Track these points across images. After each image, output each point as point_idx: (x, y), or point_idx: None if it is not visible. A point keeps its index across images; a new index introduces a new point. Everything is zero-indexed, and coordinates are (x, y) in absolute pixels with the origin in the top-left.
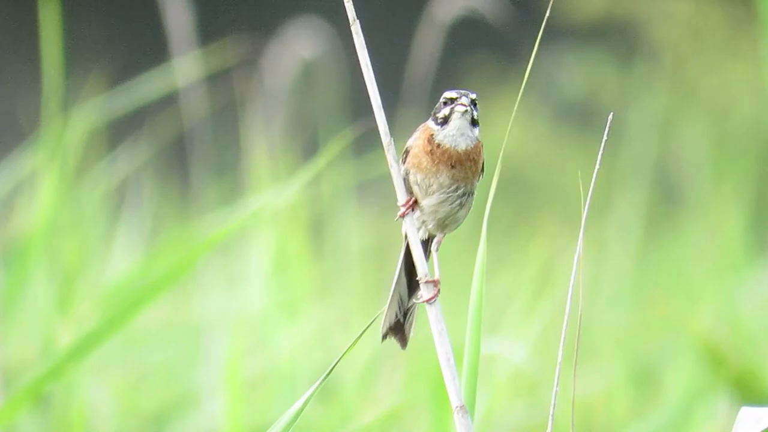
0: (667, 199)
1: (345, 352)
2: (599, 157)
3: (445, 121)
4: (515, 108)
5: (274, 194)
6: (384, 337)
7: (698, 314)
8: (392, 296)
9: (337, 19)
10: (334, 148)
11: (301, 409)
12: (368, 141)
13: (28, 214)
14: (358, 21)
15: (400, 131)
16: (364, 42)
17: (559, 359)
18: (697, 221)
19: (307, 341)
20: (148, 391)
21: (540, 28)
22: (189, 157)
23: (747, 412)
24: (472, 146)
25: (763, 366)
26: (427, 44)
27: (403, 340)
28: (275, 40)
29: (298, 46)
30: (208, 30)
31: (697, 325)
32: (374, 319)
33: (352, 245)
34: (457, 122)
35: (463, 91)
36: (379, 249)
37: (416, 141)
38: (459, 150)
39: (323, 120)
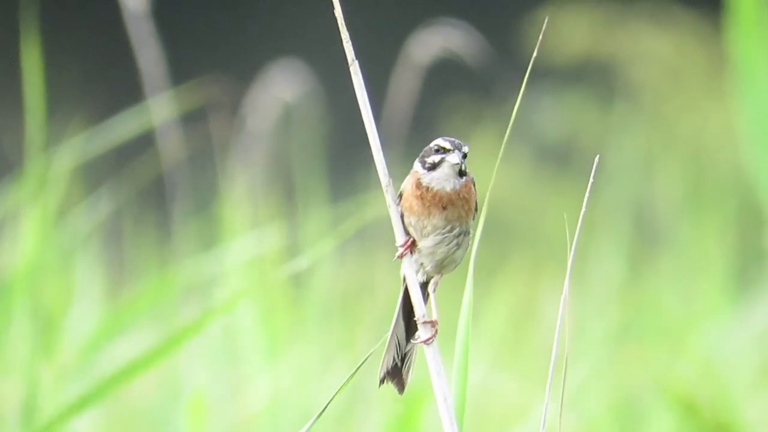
0: (647, 240)
1: (341, 388)
2: (585, 200)
3: (433, 167)
4: (501, 150)
5: (254, 240)
6: (382, 381)
7: (675, 366)
8: (390, 340)
9: (318, 61)
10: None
11: None
12: (347, 183)
13: (11, 255)
14: (356, 61)
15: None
16: (362, 83)
17: (546, 399)
18: (677, 262)
19: (286, 387)
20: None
21: (524, 69)
22: (167, 199)
23: None
24: (459, 186)
25: (738, 418)
26: (404, 86)
27: (401, 385)
28: (256, 83)
29: (278, 88)
30: (188, 72)
31: (674, 378)
32: (368, 356)
33: (333, 290)
34: (447, 170)
35: (456, 143)
36: (360, 291)
37: (407, 185)
38: (447, 190)
39: (303, 162)
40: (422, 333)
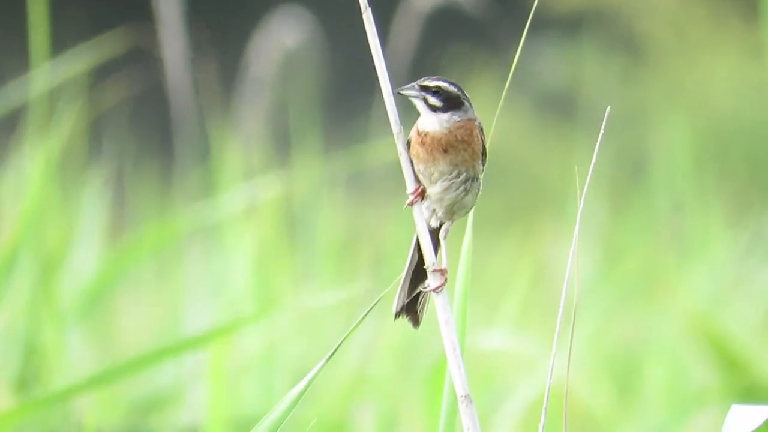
0: (646, 190)
1: (350, 331)
2: (596, 153)
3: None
4: (502, 99)
5: (251, 188)
6: (397, 315)
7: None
8: (405, 276)
9: (320, 8)
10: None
11: (303, 392)
12: (354, 130)
13: (15, 201)
14: (370, 8)
15: (377, 122)
16: (375, 30)
17: (554, 350)
18: (678, 214)
19: (287, 331)
20: (131, 384)
21: (525, 19)
22: (170, 143)
23: (738, 411)
24: (452, 125)
25: (755, 354)
26: (404, 35)
27: (416, 320)
28: (258, 28)
29: (280, 34)
30: (198, 17)
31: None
32: (378, 301)
33: (334, 234)
34: (421, 111)
35: (421, 79)
36: (361, 237)
37: (412, 132)
38: (438, 130)
39: (303, 110)
40: (432, 281)
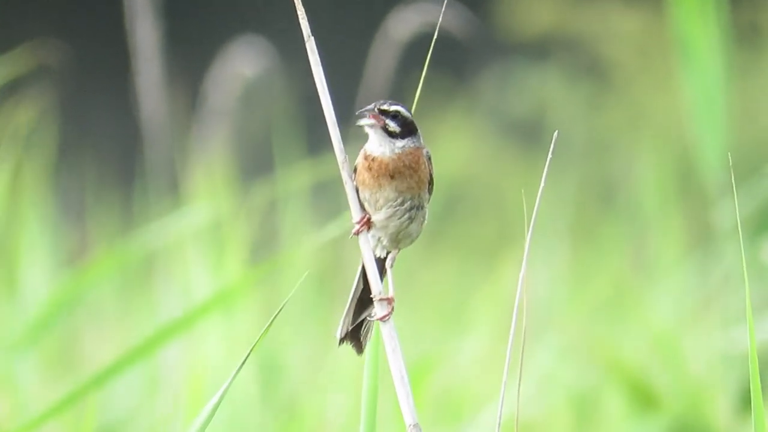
0: (611, 216)
1: (248, 354)
2: (544, 175)
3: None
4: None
5: (208, 211)
6: (341, 342)
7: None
8: (350, 302)
9: (279, 37)
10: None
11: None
12: (319, 151)
13: None
14: (312, 38)
15: (353, 148)
16: (318, 59)
17: (505, 377)
18: (636, 238)
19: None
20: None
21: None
22: (135, 169)
23: None
24: (401, 152)
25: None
26: (382, 61)
27: (359, 347)
28: (217, 58)
29: (240, 64)
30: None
31: (626, 362)
32: (282, 306)
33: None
34: (372, 135)
35: (376, 103)
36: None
37: (359, 159)
38: (387, 155)
39: (267, 137)
40: (378, 310)
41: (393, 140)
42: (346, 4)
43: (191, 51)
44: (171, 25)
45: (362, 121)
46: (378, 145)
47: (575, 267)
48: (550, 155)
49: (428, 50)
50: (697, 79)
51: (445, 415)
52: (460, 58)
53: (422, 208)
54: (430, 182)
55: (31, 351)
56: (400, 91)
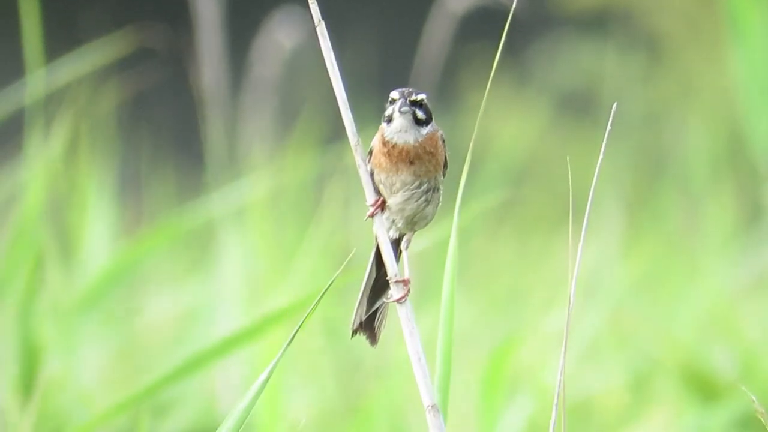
0: (666, 188)
1: (304, 319)
2: (602, 149)
3: (390, 119)
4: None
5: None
6: (354, 333)
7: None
8: (362, 292)
9: (322, 8)
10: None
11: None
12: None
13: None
14: (323, 22)
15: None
16: (329, 44)
17: (562, 360)
18: (694, 209)
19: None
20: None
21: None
22: (191, 139)
23: None
24: (423, 138)
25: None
26: (437, 34)
27: (373, 337)
28: (260, 30)
29: (281, 36)
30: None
31: (676, 341)
32: (315, 304)
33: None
34: (399, 120)
35: (406, 92)
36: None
37: (375, 141)
38: (411, 144)
39: (306, 111)
40: (395, 292)
41: (419, 128)
42: None
43: (238, 21)
44: None
45: (399, 111)
46: (403, 132)
47: (630, 240)
48: (609, 127)
49: (485, 23)
50: (748, 55)
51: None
52: (513, 32)
53: (438, 190)
54: (445, 164)
55: (88, 319)
56: (455, 63)
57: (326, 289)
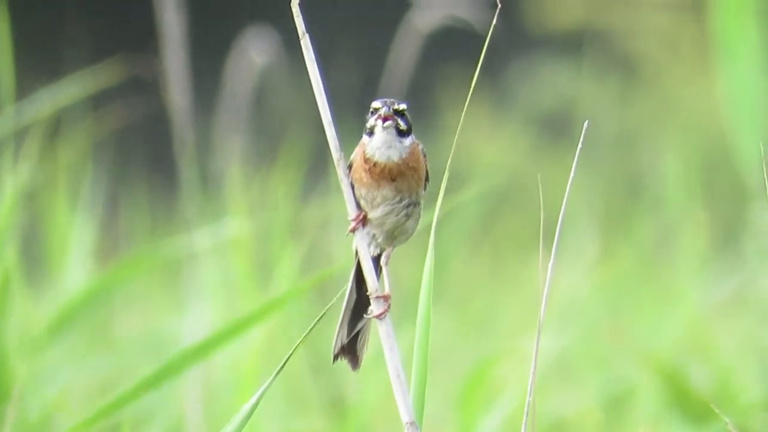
0: (637, 208)
1: (296, 346)
2: (573, 168)
3: (371, 132)
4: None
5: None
6: (336, 358)
7: (658, 336)
8: (343, 315)
9: (292, 28)
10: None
11: (255, 405)
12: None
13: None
14: (307, 35)
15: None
16: (313, 56)
17: (532, 377)
18: (663, 231)
19: (254, 352)
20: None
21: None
22: (163, 166)
23: None
24: (407, 155)
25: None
26: (405, 52)
27: (355, 361)
28: (231, 50)
29: (252, 55)
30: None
31: (656, 352)
32: (319, 319)
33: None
34: (382, 135)
35: (389, 101)
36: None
37: (356, 156)
38: (394, 161)
39: (279, 131)
40: (375, 307)
41: (402, 139)
42: None
43: (208, 41)
44: (192, 16)
45: (381, 121)
46: (386, 148)
47: (603, 258)
48: (580, 145)
49: (452, 43)
50: (735, 74)
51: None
52: (489, 51)
53: (418, 204)
54: (426, 178)
55: (57, 346)
56: (423, 83)
57: (311, 328)
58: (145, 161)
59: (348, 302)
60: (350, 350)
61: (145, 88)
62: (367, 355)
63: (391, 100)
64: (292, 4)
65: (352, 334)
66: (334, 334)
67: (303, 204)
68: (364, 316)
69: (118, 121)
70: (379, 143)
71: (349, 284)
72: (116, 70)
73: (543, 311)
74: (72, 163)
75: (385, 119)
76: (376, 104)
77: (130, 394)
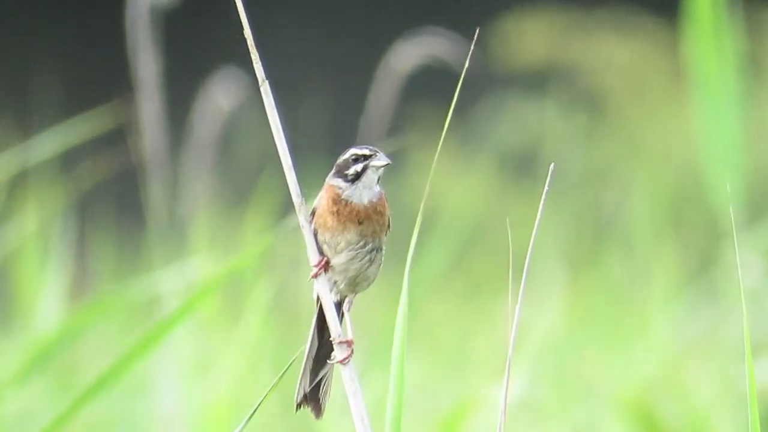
0: (607, 246)
1: (261, 400)
2: (540, 208)
3: (357, 177)
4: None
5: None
6: (299, 406)
7: (629, 373)
8: (305, 363)
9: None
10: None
11: None
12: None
13: None
14: (267, 82)
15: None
16: (273, 103)
17: (501, 419)
18: (634, 269)
19: (218, 398)
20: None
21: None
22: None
23: None
24: (376, 199)
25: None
26: (384, 93)
27: (318, 409)
28: (198, 92)
29: (220, 98)
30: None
31: (628, 390)
32: (286, 368)
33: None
34: (370, 177)
35: (372, 148)
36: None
37: (321, 201)
38: (364, 204)
39: (247, 173)
40: (338, 353)
41: (376, 186)
42: (347, 39)
43: (179, 83)
44: (164, 58)
45: (380, 161)
46: (367, 189)
47: (571, 298)
48: (546, 187)
49: (428, 82)
50: (709, 107)
51: None
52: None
53: (381, 250)
54: (388, 225)
55: (27, 387)
56: (399, 123)
57: (281, 375)
58: (114, 206)
59: (310, 350)
60: (313, 398)
61: (118, 133)
62: (331, 401)
63: (372, 147)
64: (251, 51)
65: (315, 381)
66: (297, 382)
67: (274, 242)
68: (328, 362)
69: (94, 173)
70: (362, 185)
71: (311, 331)
72: (90, 123)
73: (511, 353)
74: (43, 208)
75: (379, 161)
76: (363, 151)
77: (83, 397)
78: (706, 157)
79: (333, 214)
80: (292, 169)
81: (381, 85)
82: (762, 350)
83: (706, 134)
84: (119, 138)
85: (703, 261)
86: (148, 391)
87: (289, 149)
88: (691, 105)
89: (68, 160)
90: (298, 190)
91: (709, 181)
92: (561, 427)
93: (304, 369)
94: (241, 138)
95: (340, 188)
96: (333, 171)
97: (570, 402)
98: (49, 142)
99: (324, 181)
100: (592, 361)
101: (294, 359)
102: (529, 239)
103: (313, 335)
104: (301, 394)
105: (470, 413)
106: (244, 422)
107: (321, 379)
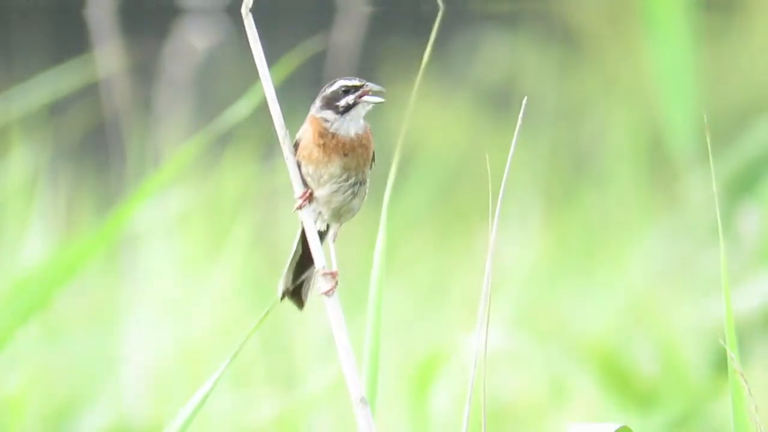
0: (581, 182)
1: (251, 332)
2: (514, 142)
3: (348, 109)
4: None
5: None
6: (282, 296)
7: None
8: (288, 265)
9: (235, 9)
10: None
11: (211, 390)
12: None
13: None
14: (251, 14)
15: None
16: (257, 35)
17: (475, 353)
18: (613, 203)
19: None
20: (61, 383)
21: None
22: (105, 147)
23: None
24: (362, 132)
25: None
26: (348, 31)
27: (300, 303)
28: (173, 33)
29: (193, 37)
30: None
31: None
32: (268, 310)
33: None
34: (359, 111)
35: (360, 79)
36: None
37: (305, 133)
38: (350, 136)
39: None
40: (323, 284)
41: (362, 119)
42: None
43: (148, 24)
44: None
45: (375, 99)
46: (352, 122)
47: (547, 233)
48: (519, 121)
49: (396, 21)
50: (664, 44)
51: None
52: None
53: (364, 183)
54: (372, 158)
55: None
56: (369, 59)
57: (265, 314)
58: (91, 142)
59: (294, 254)
60: (296, 293)
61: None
62: (311, 298)
63: (355, 79)
64: None
65: (297, 282)
66: (281, 277)
67: (255, 173)
68: (309, 275)
69: (76, 122)
70: (352, 117)
71: (296, 239)
72: (67, 76)
73: (487, 286)
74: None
75: (365, 94)
76: (353, 82)
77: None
78: (662, 96)
79: (319, 147)
80: (276, 101)
81: (345, 21)
82: (737, 281)
83: (661, 68)
84: (94, 89)
85: (676, 195)
86: (126, 328)
87: (272, 81)
88: (645, 40)
89: (52, 111)
90: (282, 122)
91: (667, 119)
92: (534, 370)
93: (288, 268)
94: (216, 79)
95: (328, 121)
96: (319, 103)
97: (543, 343)
98: (34, 91)
99: (301, 114)
100: (567, 296)
101: (273, 305)
102: (503, 173)
103: (298, 243)
104: (284, 286)
105: (443, 361)
106: (226, 362)
107: (303, 279)
